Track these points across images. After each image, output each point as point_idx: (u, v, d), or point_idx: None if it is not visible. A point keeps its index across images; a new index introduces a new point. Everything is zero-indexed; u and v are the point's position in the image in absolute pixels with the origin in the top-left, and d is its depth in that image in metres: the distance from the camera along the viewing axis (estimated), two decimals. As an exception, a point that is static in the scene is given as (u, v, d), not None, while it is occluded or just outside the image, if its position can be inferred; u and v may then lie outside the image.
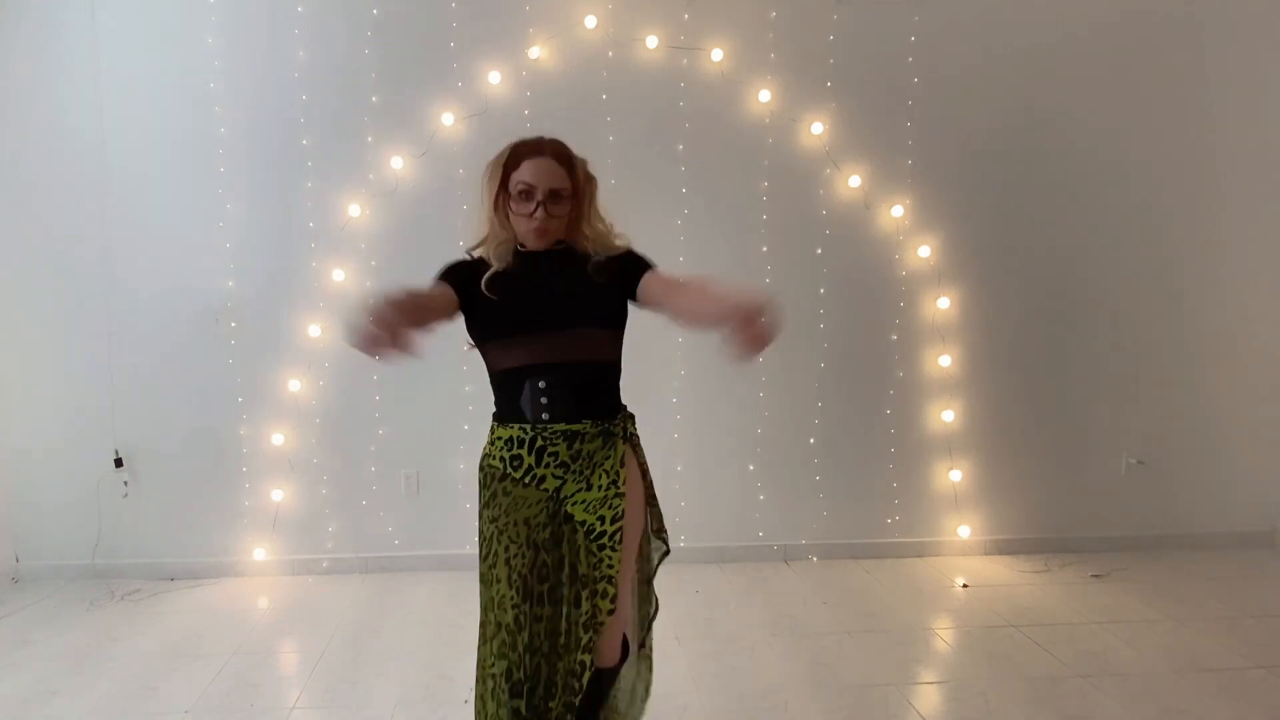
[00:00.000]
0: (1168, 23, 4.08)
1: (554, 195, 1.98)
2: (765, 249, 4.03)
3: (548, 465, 1.98)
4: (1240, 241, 4.23)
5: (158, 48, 3.78)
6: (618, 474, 1.99)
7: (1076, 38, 4.04)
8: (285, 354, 3.92)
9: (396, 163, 3.87)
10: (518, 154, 2.00)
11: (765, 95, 3.94)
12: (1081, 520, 4.27)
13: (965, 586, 3.84)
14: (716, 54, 3.91)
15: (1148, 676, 2.98)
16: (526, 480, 1.98)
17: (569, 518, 1.98)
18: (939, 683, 2.97)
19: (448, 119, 3.86)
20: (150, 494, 3.96)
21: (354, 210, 3.88)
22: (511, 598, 1.93)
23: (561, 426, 1.97)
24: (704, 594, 3.74)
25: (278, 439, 3.95)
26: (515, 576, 1.93)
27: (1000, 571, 4.03)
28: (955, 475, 4.19)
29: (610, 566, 1.94)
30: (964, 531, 4.23)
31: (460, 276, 2.04)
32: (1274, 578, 3.94)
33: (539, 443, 1.97)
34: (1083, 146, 4.10)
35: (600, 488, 1.98)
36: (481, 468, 2.08)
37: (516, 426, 1.99)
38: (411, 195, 3.89)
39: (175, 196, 3.84)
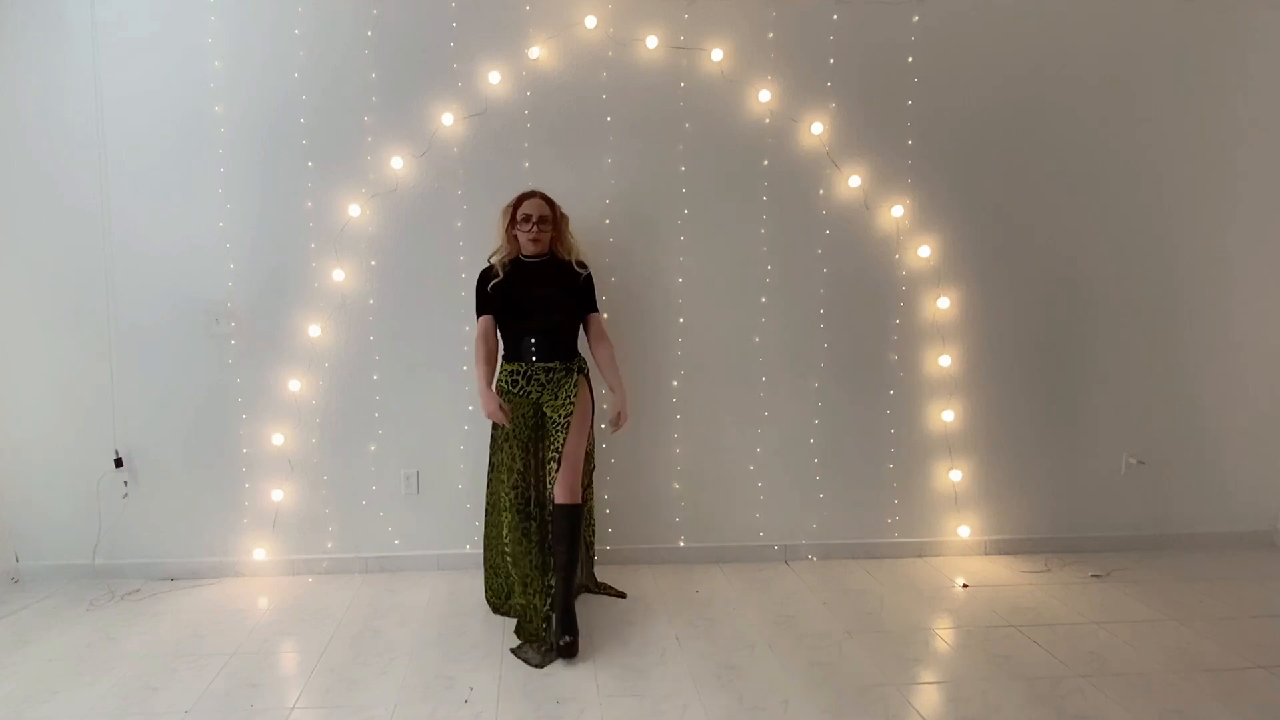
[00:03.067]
0: (1170, 22, 4.09)
1: (541, 220, 3.39)
2: (765, 249, 4.03)
3: (532, 385, 3.39)
4: (1240, 241, 4.23)
5: (158, 47, 3.78)
6: (572, 392, 3.38)
7: (1077, 37, 4.04)
8: (285, 354, 3.92)
9: (396, 163, 3.87)
10: (520, 200, 3.41)
11: (765, 95, 3.94)
12: (1081, 520, 4.28)
13: (965, 586, 3.84)
14: (716, 54, 3.91)
15: (1148, 676, 2.98)
16: (519, 394, 3.39)
17: (544, 415, 3.40)
18: (939, 683, 2.97)
19: (448, 119, 3.86)
20: (150, 494, 3.96)
21: (354, 210, 3.88)
22: (519, 454, 3.36)
23: (542, 364, 3.37)
24: (704, 594, 3.74)
25: (278, 439, 3.95)
26: (518, 443, 3.37)
27: (1000, 571, 4.03)
28: (955, 475, 4.19)
29: (563, 442, 3.31)
30: (964, 531, 4.23)
31: (487, 289, 3.41)
32: (1274, 578, 3.94)
33: (528, 372, 3.38)
34: (1083, 146, 4.10)
35: (561, 398, 3.37)
36: (495, 387, 3.39)
37: (518, 363, 3.40)
38: (411, 195, 3.89)
39: (175, 196, 3.84)
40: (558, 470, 3.28)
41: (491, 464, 3.51)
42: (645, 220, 3.96)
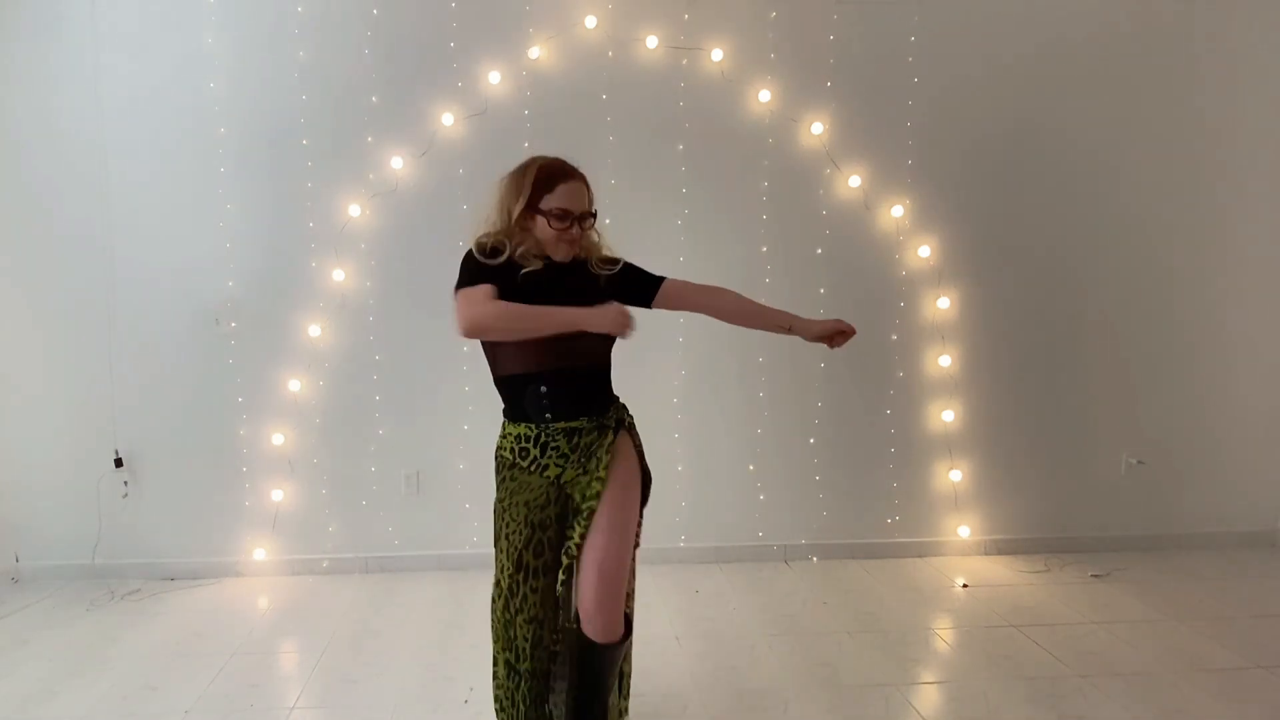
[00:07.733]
0: (1167, 25, 4.08)
1: (584, 218, 2.26)
2: (765, 249, 4.03)
3: (550, 456, 2.25)
4: (1239, 241, 4.22)
5: (157, 48, 3.78)
6: (606, 458, 2.25)
7: (1076, 39, 4.04)
8: (285, 354, 3.92)
9: (396, 163, 3.87)
10: (551, 177, 2.24)
11: (765, 95, 3.94)
12: (1081, 520, 4.27)
13: (965, 586, 3.84)
14: (716, 54, 3.91)
15: (1148, 676, 2.98)
16: (531, 469, 2.26)
17: (570, 498, 2.26)
18: (939, 683, 2.97)
19: (448, 119, 3.85)
20: (150, 494, 3.96)
21: (354, 210, 3.88)
22: (507, 567, 2.25)
23: (563, 425, 2.24)
24: (704, 594, 3.74)
25: (278, 439, 3.95)
26: (511, 549, 2.25)
27: (1000, 571, 4.03)
28: (955, 475, 4.19)
29: (573, 541, 2.22)
30: (964, 531, 4.23)
31: (509, 274, 2.18)
32: (1274, 578, 3.94)
33: (543, 439, 2.25)
34: (1082, 147, 4.10)
35: (591, 471, 2.25)
36: (496, 456, 2.37)
37: (524, 425, 2.27)
38: (411, 195, 3.89)
39: (175, 196, 3.84)
40: (586, 580, 2.20)
41: (502, 596, 2.28)
42: (645, 220, 3.96)
